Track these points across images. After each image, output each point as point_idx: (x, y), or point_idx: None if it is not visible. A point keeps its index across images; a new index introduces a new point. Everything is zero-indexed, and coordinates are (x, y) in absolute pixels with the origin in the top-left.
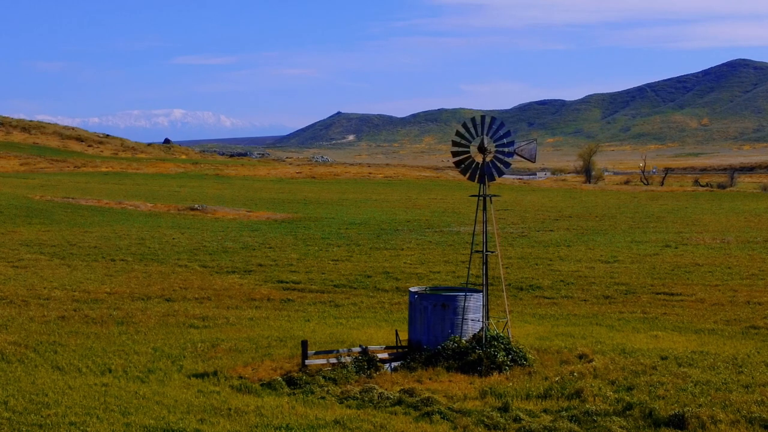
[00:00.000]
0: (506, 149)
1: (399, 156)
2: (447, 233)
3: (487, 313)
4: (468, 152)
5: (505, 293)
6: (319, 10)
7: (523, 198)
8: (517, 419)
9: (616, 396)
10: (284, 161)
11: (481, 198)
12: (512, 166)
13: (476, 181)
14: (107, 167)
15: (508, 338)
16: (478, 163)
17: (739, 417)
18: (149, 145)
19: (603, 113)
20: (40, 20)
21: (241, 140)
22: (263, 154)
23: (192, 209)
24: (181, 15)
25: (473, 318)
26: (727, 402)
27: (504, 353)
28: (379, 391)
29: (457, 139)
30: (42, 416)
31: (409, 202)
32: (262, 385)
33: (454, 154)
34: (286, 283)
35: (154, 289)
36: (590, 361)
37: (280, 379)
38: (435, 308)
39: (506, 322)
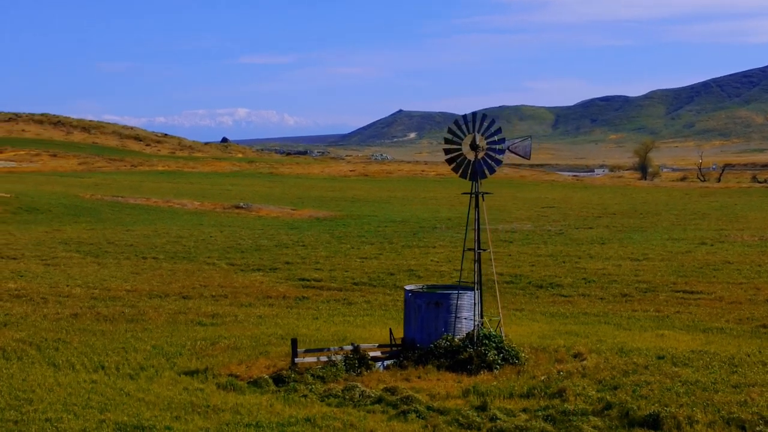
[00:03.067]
0: (497, 146)
1: None
2: (483, 231)
3: (481, 311)
4: (460, 150)
5: (497, 292)
6: (382, 8)
7: (572, 195)
8: (493, 418)
9: (599, 395)
10: (343, 159)
11: (473, 196)
12: (566, 162)
13: (468, 178)
14: (163, 166)
15: (501, 337)
16: (469, 161)
17: (717, 417)
18: (206, 144)
19: (667, 109)
20: (106, 22)
21: (304, 139)
22: (323, 153)
23: (237, 207)
24: (245, 15)
25: (467, 316)
26: (709, 402)
27: (495, 352)
28: (362, 389)
29: (449, 137)
30: (21, 412)
31: (456, 200)
32: (249, 383)
33: (447, 151)
34: (307, 281)
35: (174, 286)
36: (584, 360)
37: (266, 377)
38: (428, 306)
39: (499, 321)
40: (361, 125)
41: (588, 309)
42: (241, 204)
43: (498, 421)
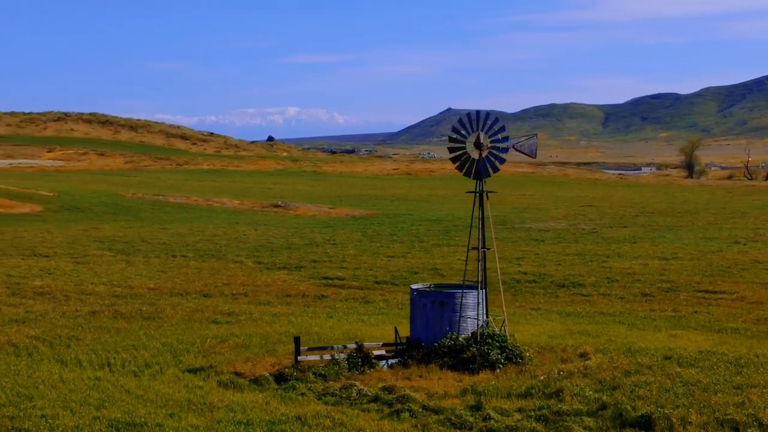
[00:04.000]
0: (501, 145)
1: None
2: (517, 229)
3: (486, 310)
4: (464, 148)
5: (501, 291)
6: (431, 6)
7: (613, 194)
8: (486, 418)
9: (596, 396)
10: (389, 158)
11: (477, 194)
12: (614, 161)
13: (472, 177)
14: (208, 165)
15: (505, 336)
16: (474, 159)
17: (711, 419)
18: (252, 142)
19: (719, 107)
20: (158, 21)
21: (354, 137)
22: (370, 151)
23: (275, 206)
24: (297, 14)
25: (471, 315)
26: (706, 403)
27: (498, 351)
28: (359, 388)
29: (454, 135)
30: (19, 409)
31: (496, 198)
32: (250, 381)
33: (451, 150)
34: (330, 279)
35: (196, 285)
36: (588, 359)
37: (268, 375)
38: (433, 305)
39: (503, 320)
40: (410, 123)
41: (605, 309)
42: (279, 203)
43: (491, 421)
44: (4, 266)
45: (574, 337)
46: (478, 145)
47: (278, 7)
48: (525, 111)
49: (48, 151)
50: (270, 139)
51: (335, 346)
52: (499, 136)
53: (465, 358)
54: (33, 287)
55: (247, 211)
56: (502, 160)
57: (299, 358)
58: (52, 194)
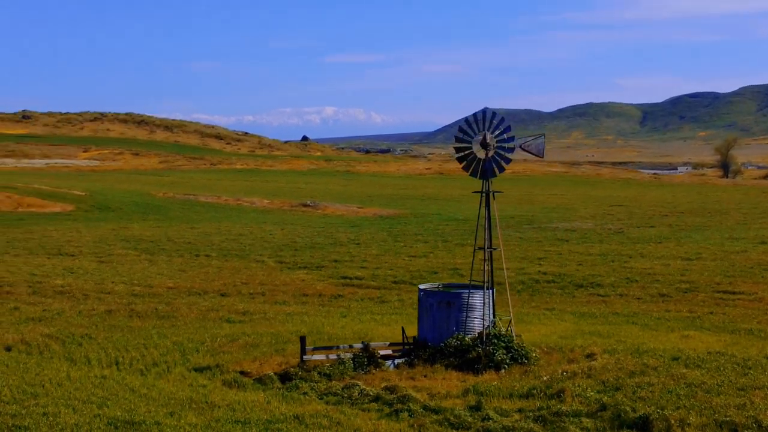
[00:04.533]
0: (507, 144)
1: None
2: (544, 229)
3: (493, 310)
4: (470, 148)
5: (508, 291)
6: (468, 5)
7: (646, 194)
8: (485, 418)
9: (597, 397)
10: (425, 157)
11: (484, 194)
12: (651, 161)
13: (478, 177)
14: (242, 164)
15: (511, 336)
16: (480, 159)
17: (710, 420)
18: (286, 142)
19: (758, 105)
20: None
21: (391, 137)
22: (405, 151)
23: (304, 205)
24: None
25: (478, 316)
26: (707, 405)
27: (504, 351)
28: (362, 387)
29: (460, 135)
30: (23, 406)
31: (526, 198)
32: (255, 380)
33: (458, 150)
34: (349, 279)
35: (215, 284)
36: (595, 360)
37: (272, 374)
38: (440, 305)
39: (509, 321)
40: (447, 123)
41: (621, 309)
42: (308, 202)
43: (489, 421)
44: (29, 265)
45: (584, 337)
46: (484, 144)
47: (317, 6)
48: (561, 110)
49: (84, 151)
50: (304, 138)
51: (341, 346)
52: (505, 136)
53: (470, 358)
54: (54, 286)
55: (276, 210)
56: (508, 160)
57: (305, 357)
58: (84, 194)
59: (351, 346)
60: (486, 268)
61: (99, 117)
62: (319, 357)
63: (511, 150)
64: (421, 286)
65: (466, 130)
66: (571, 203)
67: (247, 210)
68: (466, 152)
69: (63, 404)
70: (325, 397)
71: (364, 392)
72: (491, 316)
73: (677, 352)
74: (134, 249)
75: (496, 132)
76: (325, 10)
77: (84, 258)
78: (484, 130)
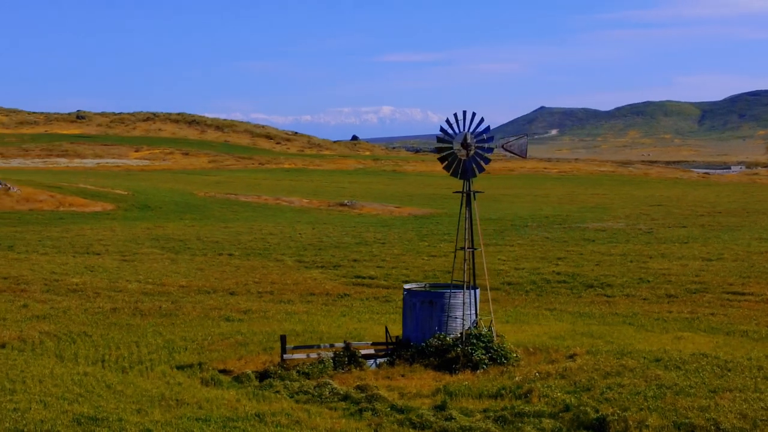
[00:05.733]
0: (486, 145)
1: (600, 150)
2: (574, 229)
3: (476, 311)
4: (451, 148)
5: (488, 291)
6: (525, 3)
7: (689, 193)
8: (448, 418)
9: (563, 397)
10: None
11: (463, 194)
12: (707, 160)
13: (459, 177)
14: (290, 164)
15: (491, 336)
16: (460, 160)
17: (669, 422)
18: (335, 142)
19: None
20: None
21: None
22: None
23: (341, 205)
24: (391, 13)
25: (461, 316)
26: (671, 407)
27: (483, 351)
28: (333, 386)
29: (441, 135)
30: None
31: (567, 198)
32: (233, 378)
33: (439, 150)
34: (362, 278)
35: (227, 283)
36: (574, 361)
37: (250, 372)
38: (423, 305)
39: (490, 321)
40: (503, 122)
41: (622, 310)
42: (346, 202)
43: (451, 421)
44: (52, 263)
45: (575, 338)
46: (465, 145)
47: (374, 6)
48: (619, 109)
49: (135, 151)
50: (354, 138)
51: (322, 345)
52: (485, 136)
53: (449, 358)
54: (69, 284)
55: (313, 209)
56: (488, 160)
57: (285, 356)
58: (126, 193)
59: (332, 345)
60: (466, 268)
61: (151, 117)
62: (299, 356)
63: (490, 150)
64: (406, 286)
65: (446, 130)
66: (610, 203)
67: (284, 209)
68: (447, 152)
69: (36, 400)
70: (296, 395)
71: (335, 391)
72: (473, 317)
73: (662, 354)
74: (160, 248)
75: (476, 133)
76: (383, 8)
77: (108, 256)
78: (465, 130)
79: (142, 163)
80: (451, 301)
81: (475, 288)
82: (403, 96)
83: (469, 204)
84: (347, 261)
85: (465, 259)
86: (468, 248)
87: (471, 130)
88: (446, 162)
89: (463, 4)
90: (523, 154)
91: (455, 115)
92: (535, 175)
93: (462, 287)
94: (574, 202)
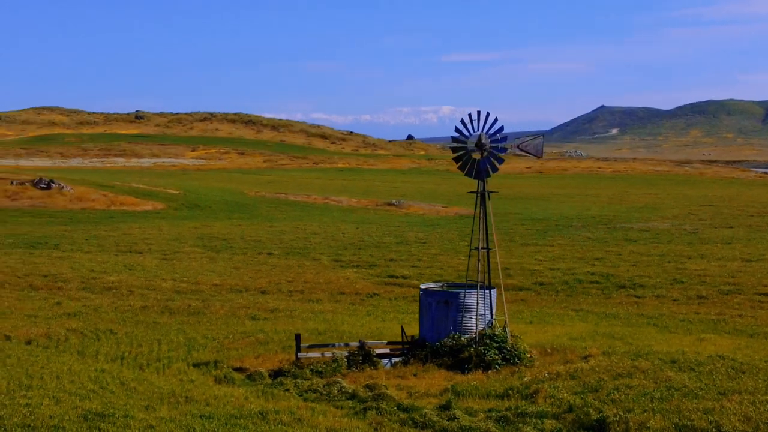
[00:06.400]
0: (500, 145)
1: (660, 150)
2: (618, 229)
3: (492, 311)
4: (465, 148)
5: (502, 291)
6: (586, 3)
7: (743, 193)
8: (451, 418)
9: (569, 398)
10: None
11: (479, 195)
12: (762, 159)
13: (473, 177)
14: (344, 164)
15: (505, 336)
16: (474, 160)
17: (670, 424)
18: (390, 141)
19: None
20: (310, 22)
21: (507, 135)
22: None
23: (388, 204)
24: (452, 13)
25: (476, 315)
26: (675, 408)
27: (496, 352)
28: (342, 385)
29: (456, 135)
30: (12, 398)
31: (618, 197)
32: (246, 376)
33: (454, 150)
34: (395, 278)
35: (260, 282)
36: (588, 362)
37: (263, 371)
38: (438, 305)
39: (504, 321)
40: (563, 121)
41: (649, 311)
42: (393, 201)
43: (453, 420)
44: (93, 262)
45: (595, 339)
46: (479, 145)
47: (434, 6)
48: (680, 108)
49: (192, 151)
50: (409, 137)
51: (337, 344)
52: (498, 136)
53: (462, 358)
54: (105, 282)
55: (360, 209)
56: (501, 160)
57: (299, 355)
58: (178, 192)
59: (347, 344)
60: (481, 268)
61: (208, 117)
62: (314, 355)
63: (504, 150)
64: (423, 286)
65: (461, 130)
66: (661, 203)
67: (332, 209)
68: (461, 153)
69: (49, 396)
70: (305, 394)
71: (343, 390)
72: (488, 317)
73: (678, 356)
74: (202, 247)
75: (490, 132)
76: (443, 8)
77: (149, 255)
78: (479, 130)
79: (198, 163)
80: (466, 300)
81: (491, 288)
82: (463, 95)
83: (483, 204)
84: (383, 260)
85: (479, 260)
86: (482, 248)
87: (485, 130)
88: (461, 162)
89: (524, 3)
90: (538, 154)
91: (470, 115)
92: (589, 175)
93: (484, 287)
94: (623, 202)
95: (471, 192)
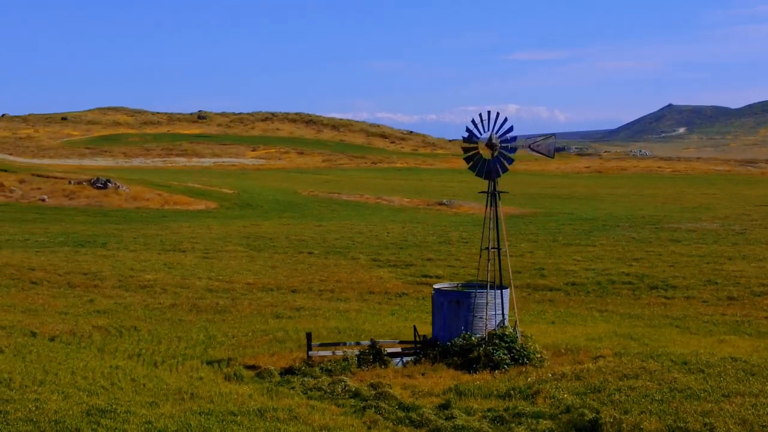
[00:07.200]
0: (510, 145)
1: (728, 149)
2: (665, 229)
3: (504, 310)
4: (476, 148)
5: (512, 291)
6: (652, 1)
7: None
8: (448, 417)
9: (569, 398)
10: (600, 156)
11: (488, 194)
12: None
13: (483, 177)
14: (402, 163)
15: (515, 336)
16: (485, 160)
17: (663, 426)
18: (450, 141)
19: None
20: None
21: (573, 135)
22: (580, 149)
23: (439, 204)
24: (517, 12)
25: (486, 315)
26: (673, 410)
27: (505, 352)
28: (346, 384)
29: (467, 135)
30: (24, 393)
31: (673, 197)
32: (256, 374)
33: (465, 150)
34: (429, 277)
35: (293, 281)
36: (597, 362)
37: (272, 369)
38: (450, 304)
39: (515, 321)
40: (630, 120)
41: (675, 312)
42: (444, 201)
43: (450, 420)
44: (135, 260)
45: (612, 339)
46: (490, 145)
47: (499, 4)
48: (750, 106)
49: (252, 150)
50: (515, 137)
51: (348, 343)
52: (508, 136)
53: (471, 358)
54: (141, 281)
55: (411, 209)
56: (511, 160)
57: (310, 353)
58: (232, 192)
59: (358, 343)
60: (491, 268)
61: (270, 117)
62: (324, 353)
63: (514, 150)
64: (436, 286)
65: (472, 130)
66: (716, 203)
67: (383, 208)
68: (472, 152)
69: (59, 391)
70: (309, 392)
71: (347, 388)
72: (501, 317)
73: (692, 357)
74: (245, 246)
75: (500, 132)
76: (508, 7)
77: (192, 254)
78: (489, 130)
79: (258, 162)
80: (477, 300)
81: (502, 288)
82: (529, 94)
83: (494, 204)
84: (421, 260)
85: (489, 259)
86: (492, 248)
87: (496, 130)
88: (471, 162)
89: (591, 1)
90: (550, 155)
91: (480, 115)
92: (649, 175)
93: (495, 287)
94: (678, 202)
95: (482, 192)
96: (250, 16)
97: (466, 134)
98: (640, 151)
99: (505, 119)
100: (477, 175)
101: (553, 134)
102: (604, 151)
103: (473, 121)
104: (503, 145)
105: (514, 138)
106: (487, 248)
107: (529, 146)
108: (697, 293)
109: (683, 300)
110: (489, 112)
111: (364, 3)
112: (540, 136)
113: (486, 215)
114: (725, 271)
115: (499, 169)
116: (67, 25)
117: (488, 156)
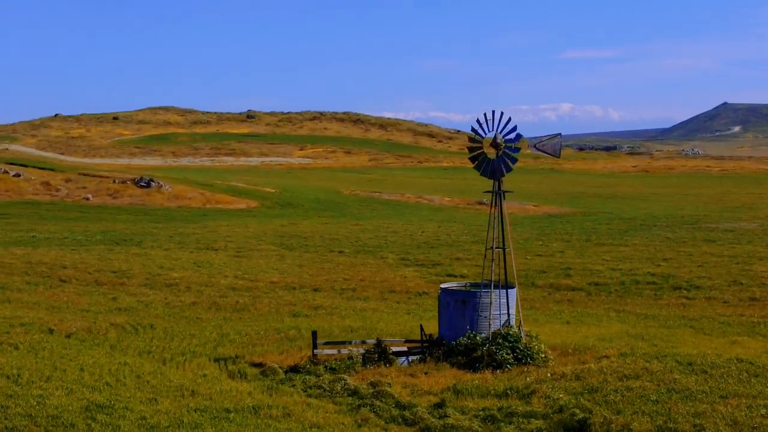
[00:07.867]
0: (514, 144)
1: None
2: (702, 229)
3: (509, 310)
4: (481, 148)
5: (516, 291)
6: None
7: None
8: (441, 416)
9: (564, 398)
10: (651, 155)
11: (493, 194)
12: None
13: (488, 177)
14: (448, 162)
15: (519, 336)
16: (490, 159)
17: (653, 426)
18: None
19: None
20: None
21: (626, 133)
22: (632, 148)
23: (479, 203)
24: (570, 10)
25: (493, 315)
26: (666, 411)
27: (508, 351)
28: (346, 382)
29: (472, 135)
30: (29, 388)
31: (717, 197)
32: (260, 372)
33: (470, 150)
34: (454, 276)
35: (318, 279)
36: (600, 362)
37: (277, 367)
38: (456, 304)
39: (519, 321)
40: (684, 119)
41: (693, 312)
42: (484, 200)
43: (442, 419)
44: (166, 259)
45: (623, 339)
46: (495, 145)
47: (553, 3)
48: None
49: (299, 149)
50: (518, 136)
51: (353, 341)
52: (512, 136)
53: (475, 357)
54: (168, 279)
55: (450, 208)
56: (515, 160)
57: (315, 351)
58: (274, 191)
59: (363, 342)
60: (495, 267)
61: (318, 116)
62: (330, 351)
63: (518, 150)
64: (443, 285)
65: (476, 130)
66: (760, 203)
67: (422, 207)
68: (477, 152)
69: (63, 387)
70: (309, 390)
71: (346, 386)
72: (506, 316)
73: (698, 358)
74: (278, 245)
75: (504, 133)
76: (561, 5)
77: (223, 252)
78: (494, 130)
79: (305, 162)
80: (483, 300)
81: (508, 287)
82: (582, 93)
83: (500, 203)
84: (449, 259)
85: (492, 259)
86: (497, 248)
87: (500, 130)
88: (477, 162)
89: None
90: (556, 154)
91: (485, 115)
92: (696, 174)
93: (499, 287)
94: (721, 202)
95: (487, 191)
96: (303, 17)
97: (471, 133)
98: (693, 149)
99: (509, 119)
100: (482, 174)
101: (559, 133)
102: (656, 150)
103: (478, 121)
104: (508, 144)
105: (519, 137)
106: (491, 248)
107: (535, 146)
108: (719, 294)
109: (704, 300)
110: (493, 112)
111: (420, 1)
112: (546, 136)
113: (491, 215)
114: (753, 272)
115: (504, 169)
116: (121, 26)
117: (493, 156)
